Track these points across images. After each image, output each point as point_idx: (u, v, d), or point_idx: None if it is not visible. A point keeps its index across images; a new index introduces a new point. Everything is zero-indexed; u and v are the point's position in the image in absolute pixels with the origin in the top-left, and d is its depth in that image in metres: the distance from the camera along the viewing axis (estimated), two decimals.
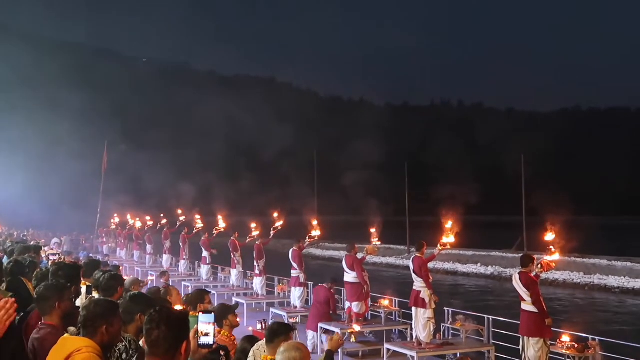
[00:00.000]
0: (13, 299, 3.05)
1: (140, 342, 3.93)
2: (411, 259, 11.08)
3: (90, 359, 3.14)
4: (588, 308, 25.87)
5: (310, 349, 5.14)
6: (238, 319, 5.79)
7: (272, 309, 14.54)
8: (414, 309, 10.61)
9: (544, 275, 11.57)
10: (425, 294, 10.47)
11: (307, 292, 15.14)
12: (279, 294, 16.51)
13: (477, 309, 13.26)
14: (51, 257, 8.40)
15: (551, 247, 9.56)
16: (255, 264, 16.62)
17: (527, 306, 9.12)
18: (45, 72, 70.89)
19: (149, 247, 25.65)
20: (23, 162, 38.41)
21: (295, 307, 14.33)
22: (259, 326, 11.10)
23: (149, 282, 14.20)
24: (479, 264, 37.20)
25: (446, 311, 11.89)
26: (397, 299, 13.23)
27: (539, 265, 9.36)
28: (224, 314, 5.61)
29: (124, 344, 3.71)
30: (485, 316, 11.24)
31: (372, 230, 13.78)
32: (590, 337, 9.64)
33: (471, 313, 12.14)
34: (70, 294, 4.16)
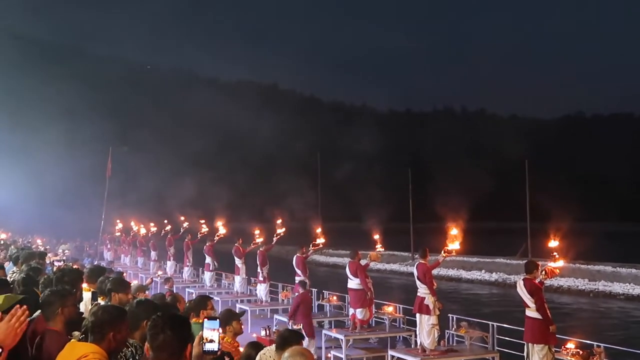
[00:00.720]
0: (25, 307, 3.06)
1: (145, 350, 3.96)
2: (415, 265, 11.08)
3: None
4: (593, 315, 25.76)
5: None
6: (242, 326, 5.81)
7: (276, 316, 14.53)
8: (418, 315, 10.60)
9: (548, 282, 11.54)
10: (429, 300, 10.46)
11: (312, 298, 15.14)
12: (282, 300, 16.49)
13: (481, 316, 13.24)
14: (56, 264, 8.41)
15: (555, 253, 9.56)
16: (258, 270, 16.63)
17: (532, 313, 9.10)
18: (46, 74, 71.16)
19: (153, 254, 25.68)
20: (23, 168, 38.53)
21: None
22: (263, 333, 11.12)
23: (152, 280, 14.24)
24: (483, 271, 37.10)
25: (450, 318, 11.87)
26: (401, 306, 13.21)
27: (543, 272, 9.35)
28: (229, 320, 5.63)
29: (130, 349, 3.72)
30: (490, 323, 11.21)
31: (376, 236, 13.80)
32: (595, 344, 9.60)
33: (475, 320, 12.12)
34: (74, 300, 4.18)
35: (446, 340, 11.31)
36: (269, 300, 16.72)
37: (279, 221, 17.61)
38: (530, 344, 9.13)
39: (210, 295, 8.82)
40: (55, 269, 7.91)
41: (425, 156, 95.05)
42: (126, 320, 3.54)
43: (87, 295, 5.47)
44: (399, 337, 12.65)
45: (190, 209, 28.85)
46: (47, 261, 9.39)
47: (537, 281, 9.21)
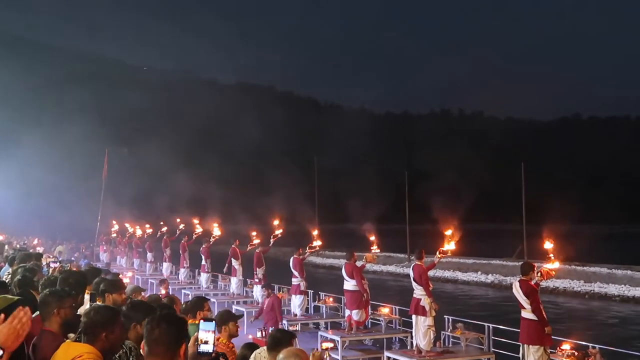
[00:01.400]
0: (27, 308, 3.06)
1: (141, 350, 3.96)
2: (411, 267, 11.10)
3: None
4: (588, 316, 25.82)
5: None
6: (239, 328, 5.80)
7: None
8: (414, 316, 10.62)
9: (544, 284, 11.58)
10: (425, 301, 10.48)
11: (308, 300, 15.15)
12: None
13: (477, 317, 13.26)
14: (52, 265, 8.39)
15: (551, 255, 9.59)
16: (254, 272, 16.63)
17: (527, 314, 9.13)
18: (47, 78, 71.11)
19: (149, 255, 25.65)
20: (17, 169, 38.42)
21: (296, 315, 14.32)
22: (258, 334, 11.10)
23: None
24: (479, 272, 37.16)
25: (446, 319, 11.89)
26: (397, 307, 13.22)
27: (539, 274, 9.38)
28: (225, 320, 5.63)
29: (124, 350, 3.73)
30: (486, 324, 11.24)
31: (372, 238, 13.82)
32: (591, 345, 9.63)
33: (471, 321, 12.15)
34: (71, 301, 4.18)
35: (442, 341, 11.33)
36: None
37: (275, 222, 17.61)
38: (525, 345, 9.15)
39: (207, 297, 8.82)
40: (51, 270, 7.89)
41: (422, 158, 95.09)
42: (119, 321, 3.54)
43: (85, 297, 5.46)
44: (395, 338, 12.66)
45: (184, 210, 28.87)
46: (44, 262, 9.37)
47: (532, 283, 9.24)
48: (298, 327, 13.62)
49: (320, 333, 12.51)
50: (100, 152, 35.67)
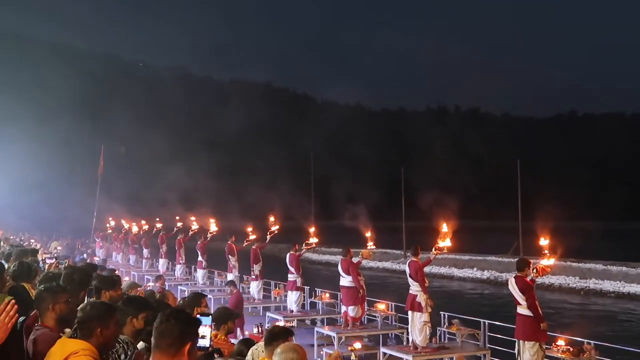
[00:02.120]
0: (13, 301, 3.07)
1: (141, 345, 3.97)
2: (407, 263, 11.12)
3: None
4: (583, 312, 25.92)
5: None
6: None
7: (268, 313, 14.57)
8: (410, 312, 10.64)
9: (539, 280, 11.62)
10: (421, 298, 10.50)
11: (304, 296, 15.19)
12: (275, 298, 16.55)
13: (473, 313, 13.29)
14: (48, 261, 8.38)
15: (546, 251, 9.62)
16: (251, 268, 16.65)
17: (523, 310, 9.16)
18: (42, 76, 70.89)
19: (145, 252, 25.63)
20: (16, 165, 38.28)
21: (292, 311, 14.35)
22: (255, 330, 11.13)
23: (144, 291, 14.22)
24: (475, 269, 37.25)
25: (442, 315, 11.92)
26: (393, 303, 13.25)
27: (535, 270, 9.41)
28: (225, 319, 5.65)
29: (121, 345, 3.74)
30: (481, 320, 11.28)
31: (368, 234, 13.84)
32: (586, 340, 9.68)
33: (467, 317, 12.18)
34: (66, 297, 4.19)
35: (438, 337, 11.36)
36: (261, 298, 16.75)
37: (272, 219, 17.62)
38: (521, 341, 9.19)
39: (203, 293, 8.83)
40: (47, 266, 7.90)
41: (418, 155, 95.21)
42: (114, 317, 3.55)
43: None
44: (391, 334, 12.68)
45: (178, 206, 28.86)
46: (40, 258, 9.36)
47: (528, 279, 9.27)
48: (294, 323, 13.63)
49: (316, 329, 12.54)
50: (95, 148, 35.60)
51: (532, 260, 9.87)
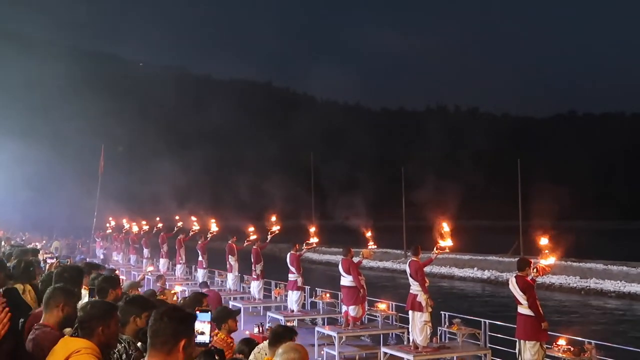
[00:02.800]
0: (4, 300, 3.06)
1: (139, 344, 3.96)
2: (407, 262, 11.12)
3: (89, 359, 3.18)
4: (584, 312, 25.92)
5: None
6: (237, 323, 5.83)
7: (269, 313, 14.56)
8: (410, 312, 10.63)
9: (540, 280, 11.61)
10: (421, 297, 10.49)
11: (305, 295, 15.18)
12: (275, 297, 16.54)
13: (473, 313, 13.30)
14: (49, 261, 8.38)
15: (547, 251, 9.62)
16: (252, 267, 16.65)
17: (524, 310, 9.15)
18: (42, 75, 70.84)
19: (145, 251, 25.62)
20: (15, 165, 38.24)
21: (292, 311, 14.34)
22: (256, 330, 11.13)
23: (144, 277, 14.24)
24: (475, 268, 37.24)
25: (443, 315, 11.91)
26: (394, 303, 13.24)
27: (535, 270, 9.41)
28: (225, 318, 5.65)
29: (122, 345, 3.73)
30: (482, 320, 11.27)
31: (368, 234, 13.83)
32: (586, 340, 9.67)
33: (468, 317, 12.18)
34: (76, 300, 4.18)
35: (438, 337, 11.35)
36: (262, 298, 16.73)
37: (272, 219, 17.61)
38: (522, 340, 9.18)
39: (204, 293, 8.82)
40: (48, 266, 7.89)
41: (418, 154, 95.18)
42: (115, 316, 3.55)
43: (83, 293, 5.46)
44: (392, 334, 12.68)
45: (178, 206, 28.88)
46: (40, 258, 9.36)
47: (529, 278, 9.27)
48: (295, 323, 13.63)
49: (317, 329, 12.54)
50: (95, 148, 35.57)
51: (532, 260, 9.87)
